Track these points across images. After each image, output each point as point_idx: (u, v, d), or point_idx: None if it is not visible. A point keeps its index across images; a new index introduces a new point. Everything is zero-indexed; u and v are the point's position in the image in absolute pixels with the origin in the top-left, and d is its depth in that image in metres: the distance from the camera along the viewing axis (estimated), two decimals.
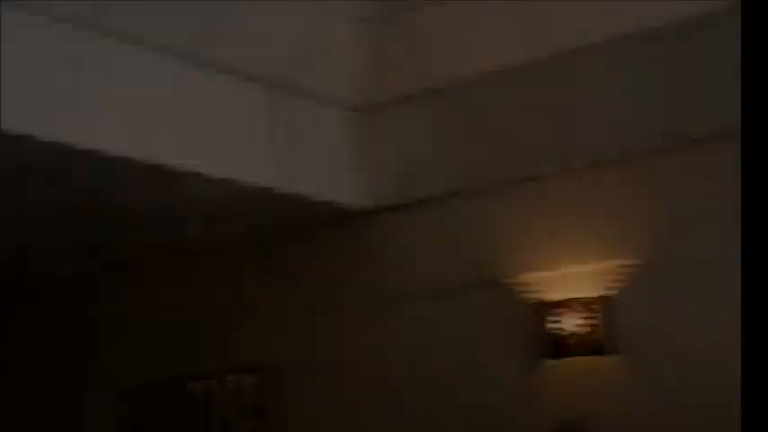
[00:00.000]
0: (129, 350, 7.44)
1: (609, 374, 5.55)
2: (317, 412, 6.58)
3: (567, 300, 5.65)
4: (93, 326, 7.66)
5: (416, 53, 6.19)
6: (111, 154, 5.34)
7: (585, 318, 5.60)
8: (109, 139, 5.33)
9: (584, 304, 5.62)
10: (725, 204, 5.09)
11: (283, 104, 6.17)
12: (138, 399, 7.32)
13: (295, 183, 6.15)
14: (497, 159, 5.98)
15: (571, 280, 5.67)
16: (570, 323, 5.63)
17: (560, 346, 5.65)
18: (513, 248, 5.89)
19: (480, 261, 5.98)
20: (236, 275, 7.06)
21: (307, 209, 6.45)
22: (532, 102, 5.87)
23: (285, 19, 5.87)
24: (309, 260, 6.74)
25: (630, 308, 5.53)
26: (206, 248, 7.10)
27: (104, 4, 5.22)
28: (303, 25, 5.99)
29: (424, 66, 6.21)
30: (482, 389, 5.90)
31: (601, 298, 5.60)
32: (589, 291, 5.63)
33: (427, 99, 6.28)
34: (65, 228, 6.63)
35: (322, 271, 6.67)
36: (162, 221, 6.58)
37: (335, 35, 6.17)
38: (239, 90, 5.96)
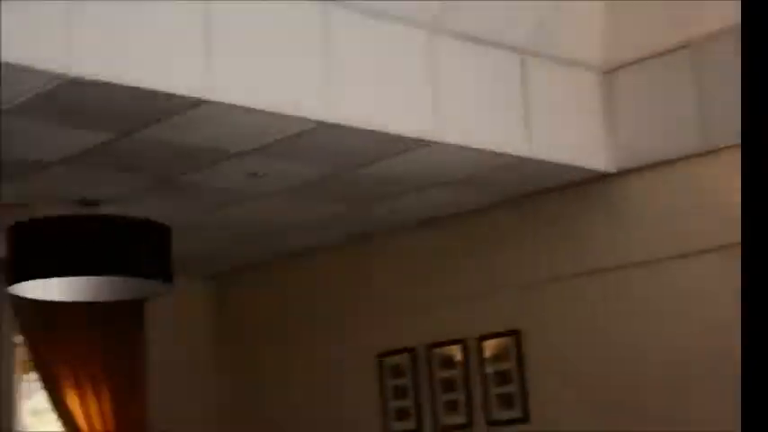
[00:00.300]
0: (385, 316, 7.64)
1: None
2: (563, 377, 6.61)
3: None
4: (350, 293, 7.90)
5: (662, 9, 6.08)
6: (362, 126, 5.57)
7: None
8: (358, 111, 5.53)
9: None
10: None
11: (531, 69, 6.20)
12: (394, 363, 7.53)
13: (545, 148, 6.18)
14: None
15: None
16: None
17: None
18: None
19: (728, 223, 5.82)
20: (485, 242, 7.14)
21: (556, 174, 6.46)
22: None
23: None
24: (558, 225, 6.75)
25: None
26: (455, 216, 7.21)
27: None
28: None
29: (671, 22, 6.09)
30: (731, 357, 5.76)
31: None
32: None
33: (674, 57, 6.16)
34: (315, 202, 6.90)
35: (570, 235, 6.67)
36: (410, 191, 6.73)
37: None
38: (487, 57, 6.03)
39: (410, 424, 7.42)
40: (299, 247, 7.99)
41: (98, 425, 7.78)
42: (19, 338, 7.77)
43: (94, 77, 4.80)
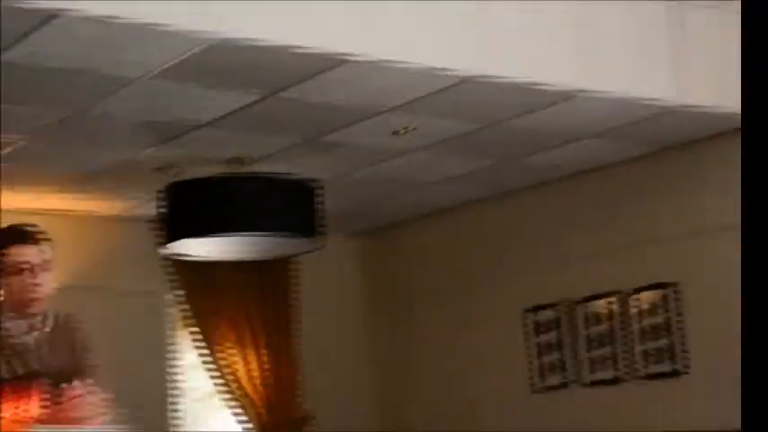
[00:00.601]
0: (532, 271, 7.59)
1: None
2: (718, 329, 6.47)
3: None
4: (497, 248, 7.88)
5: None
6: (509, 79, 5.52)
7: None
8: (504, 65, 5.48)
9: None
10: None
11: (679, 14, 6.04)
12: (542, 317, 7.50)
13: (698, 95, 6.02)
14: None
15: None
16: None
17: None
18: None
19: None
20: (634, 194, 7.03)
21: (704, 121, 6.31)
22: None
23: None
24: (707, 176, 6.61)
25: None
26: (604, 168, 7.11)
27: None
28: None
29: None
30: None
31: None
32: None
33: None
34: (461, 157, 6.88)
35: (717, 185, 6.50)
36: (558, 144, 6.66)
37: None
38: (633, 3, 5.89)
39: (557, 379, 7.39)
40: (445, 202, 7.99)
41: (252, 381, 7.94)
42: (174, 297, 7.96)
43: (242, 39, 4.86)
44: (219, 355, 7.90)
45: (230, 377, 7.90)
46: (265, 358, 7.97)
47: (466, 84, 5.52)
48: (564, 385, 7.33)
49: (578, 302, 7.27)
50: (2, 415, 3.08)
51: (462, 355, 8.02)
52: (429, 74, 5.38)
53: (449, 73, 5.39)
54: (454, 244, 8.19)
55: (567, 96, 5.79)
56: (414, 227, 8.45)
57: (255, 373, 7.94)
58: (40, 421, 3.04)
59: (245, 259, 6.97)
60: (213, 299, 7.90)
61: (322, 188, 6.54)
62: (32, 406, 3.09)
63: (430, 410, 8.21)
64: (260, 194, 6.30)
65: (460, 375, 8.02)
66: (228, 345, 7.91)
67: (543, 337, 7.49)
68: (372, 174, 7.15)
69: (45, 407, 3.13)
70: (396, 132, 6.28)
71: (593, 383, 7.15)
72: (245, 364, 7.93)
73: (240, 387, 7.90)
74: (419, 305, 8.38)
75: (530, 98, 5.81)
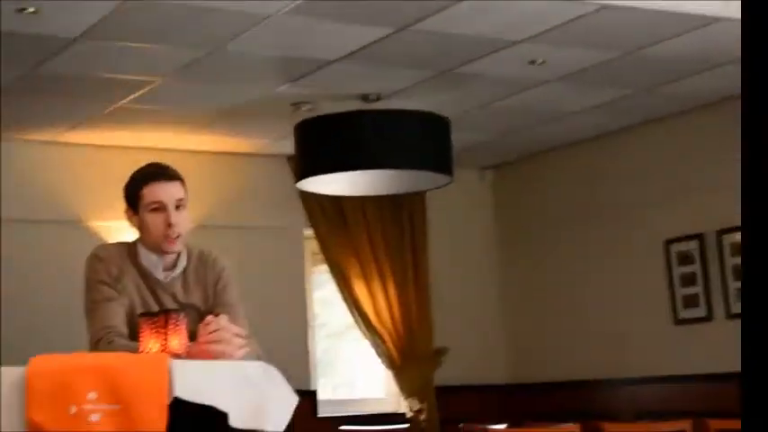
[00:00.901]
0: (673, 202, 7.44)
1: None
2: None
3: None
4: (637, 178, 7.73)
5: None
6: (645, 5, 5.35)
7: None
8: None
9: None
10: None
11: None
12: (685, 247, 7.34)
13: None
14: None
15: None
16: None
17: None
18: None
19: None
20: None
21: None
22: None
23: None
24: None
25: None
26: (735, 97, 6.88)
27: None
28: None
29: None
30: None
31: None
32: None
33: None
34: (596, 87, 6.72)
35: None
36: (697, 71, 6.47)
37: None
38: None
39: (699, 311, 7.23)
40: (582, 133, 7.85)
41: (384, 315, 7.97)
42: (308, 232, 8.02)
43: None
44: (353, 289, 7.95)
45: (363, 311, 7.95)
46: (397, 292, 8.00)
47: (605, 10, 5.36)
48: (708, 318, 7.17)
49: (723, 232, 7.08)
50: (143, 350, 3.13)
51: (601, 288, 7.92)
52: (563, 3, 5.25)
53: (584, 0, 5.25)
54: (592, 175, 8.06)
55: (707, 21, 5.60)
56: (549, 159, 8.34)
57: (387, 307, 7.97)
58: (180, 355, 3.07)
59: (378, 194, 6.96)
60: (346, 234, 7.94)
61: (451, 122, 6.47)
62: (172, 341, 3.12)
63: (565, 344, 8.14)
64: (392, 129, 6.26)
65: (598, 308, 7.92)
66: (361, 279, 7.96)
67: (686, 268, 7.33)
68: (507, 106, 7.05)
69: (184, 341, 3.17)
70: (532, 62, 6.15)
71: (737, 316, 6.97)
72: (378, 299, 7.96)
73: (373, 321, 7.95)
74: (553, 238, 8.29)
75: (669, 24, 5.63)
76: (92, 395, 2.65)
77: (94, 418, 2.64)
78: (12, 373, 2.70)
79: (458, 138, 6.65)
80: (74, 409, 2.63)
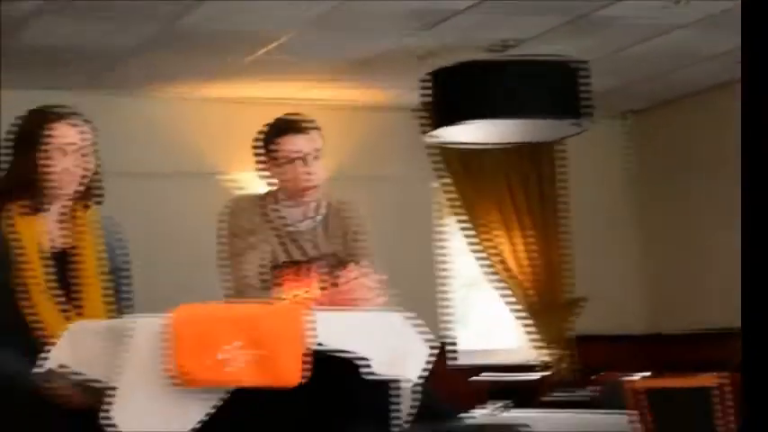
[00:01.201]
0: None
1: None
2: None
3: None
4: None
5: None
6: None
7: None
8: None
9: None
10: None
11: None
12: None
13: None
14: None
15: None
16: None
17: None
18: None
19: None
20: None
21: None
22: None
23: None
24: None
25: None
26: None
27: None
28: None
29: None
30: None
31: None
32: None
33: None
34: (736, 30, 6.48)
35: None
36: None
37: None
38: None
39: None
40: (720, 78, 7.62)
41: (520, 264, 7.92)
42: (440, 183, 7.99)
43: None
44: (487, 239, 7.92)
45: (498, 261, 7.92)
46: (533, 241, 7.95)
47: None
48: None
49: None
50: (283, 298, 3.16)
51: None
52: None
53: None
54: (732, 120, 7.83)
55: None
56: (687, 104, 8.14)
57: (523, 256, 7.93)
58: (320, 303, 3.10)
59: (511, 143, 6.89)
60: (479, 184, 7.90)
61: (588, 69, 6.35)
62: (312, 289, 3.15)
63: (707, 292, 7.97)
64: (525, 78, 6.18)
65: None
66: (496, 229, 7.92)
67: None
68: (643, 51, 6.88)
69: (323, 289, 3.19)
70: (669, 5, 5.96)
71: None
72: (513, 248, 7.93)
73: (508, 270, 7.92)
74: (693, 186, 8.11)
75: None
76: (237, 342, 2.67)
77: (241, 364, 2.67)
78: (151, 324, 2.73)
79: (596, 84, 6.49)
80: (221, 356, 2.66)
